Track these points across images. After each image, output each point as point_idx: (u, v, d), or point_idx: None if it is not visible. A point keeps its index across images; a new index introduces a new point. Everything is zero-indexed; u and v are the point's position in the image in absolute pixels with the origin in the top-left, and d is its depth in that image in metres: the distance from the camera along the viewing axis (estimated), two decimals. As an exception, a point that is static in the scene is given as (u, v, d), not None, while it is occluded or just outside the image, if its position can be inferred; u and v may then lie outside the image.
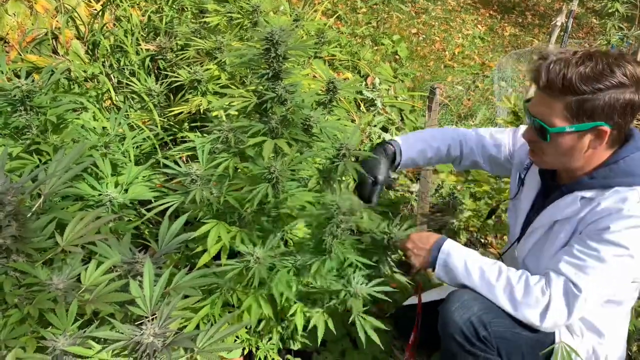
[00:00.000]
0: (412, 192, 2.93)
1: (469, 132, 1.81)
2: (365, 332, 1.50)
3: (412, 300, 1.81)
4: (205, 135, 1.95)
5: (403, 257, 1.63)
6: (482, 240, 2.63)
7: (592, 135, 1.31)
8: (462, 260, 1.45)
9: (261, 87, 1.50)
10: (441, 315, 1.47)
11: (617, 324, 1.51)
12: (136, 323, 1.04)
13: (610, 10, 3.06)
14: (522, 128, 1.71)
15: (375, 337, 1.50)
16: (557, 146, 1.35)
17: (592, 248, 1.30)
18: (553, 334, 1.46)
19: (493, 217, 2.36)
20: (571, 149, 1.34)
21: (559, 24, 3.46)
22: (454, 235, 2.69)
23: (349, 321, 1.54)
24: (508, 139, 1.76)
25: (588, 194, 1.37)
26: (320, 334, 1.54)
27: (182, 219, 1.41)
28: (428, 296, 1.80)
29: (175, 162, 1.58)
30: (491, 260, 1.45)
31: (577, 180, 1.40)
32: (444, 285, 1.85)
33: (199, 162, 1.65)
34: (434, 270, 1.51)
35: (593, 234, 1.32)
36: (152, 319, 1.03)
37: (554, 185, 1.51)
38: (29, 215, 1.15)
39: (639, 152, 1.34)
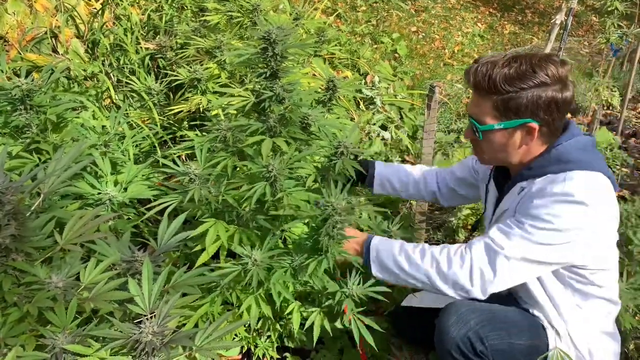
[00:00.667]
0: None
1: (445, 168, 1.94)
2: (361, 332, 1.51)
3: (409, 300, 1.82)
4: (204, 134, 1.95)
5: None
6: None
7: (523, 132, 1.41)
8: (390, 254, 1.49)
9: (259, 86, 1.50)
10: (438, 329, 1.48)
11: (597, 317, 1.51)
12: (135, 321, 1.05)
13: (609, 9, 3.06)
14: None
15: (369, 338, 1.50)
16: (491, 143, 1.46)
17: (518, 221, 1.38)
18: (546, 338, 1.47)
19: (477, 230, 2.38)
20: (504, 145, 1.44)
21: (558, 22, 3.46)
22: (452, 233, 2.69)
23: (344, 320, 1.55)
24: (471, 159, 1.85)
25: (525, 184, 1.46)
26: (316, 333, 1.54)
27: (181, 218, 1.41)
28: (423, 301, 1.80)
29: (174, 161, 1.59)
30: (414, 244, 1.51)
31: (519, 173, 1.49)
32: None
33: (197, 161, 1.65)
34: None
35: (521, 211, 1.40)
36: (151, 317, 1.04)
37: (506, 184, 1.58)
38: (28, 214, 1.16)
39: (570, 140, 1.41)
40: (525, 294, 1.53)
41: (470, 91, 1.51)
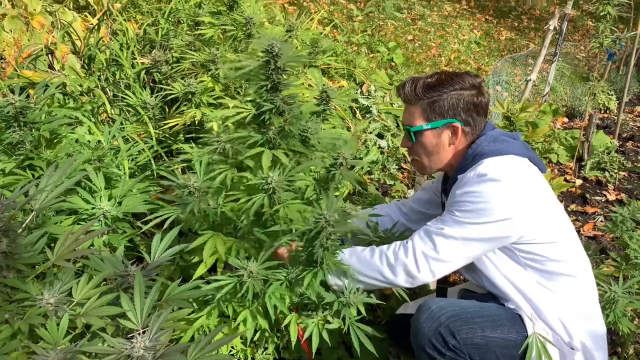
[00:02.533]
0: (407, 199, 2.93)
1: (406, 200, 2.08)
2: (360, 341, 1.51)
3: (404, 308, 1.81)
4: (200, 146, 1.96)
5: None
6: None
7: (449, 132, 1.61)
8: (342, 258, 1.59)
9: (259, 99, 1.51)
10: (412, 327, 1.53)
11: (568, 297, 1.53)
12: (128, 336, 1.05)
13: (602, 13, 3.07)
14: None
15: (370, 346, 1.50)
16: (423, 144, 1.65)
17: (449, 212, 1.53)
18: (525, 330, 1.48)
19: None
20: (435, 145, 1.63)
21: (552, 27, 3.48)
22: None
23: (344, 330, 1.54)
24: (429, 182, 2.01)
25: (455, 185, 1.60)
26: (314, 344, 1.54)
27: (175, 231, 1.42)
28: (408, 308, 1.80)
29: (172, 174, 1.59)
30: (362, 247, 1.63)
31: (451, 178, 1.67)
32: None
33: (195, 173, 1.65)
34: None
35: (449, 204, 1.57)
36: (144, 332, 1.04)
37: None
38: (19, 230, 1.16)
39: (482, 136, 1.61)
40: (490, 284, 1.58)
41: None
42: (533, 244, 1.51)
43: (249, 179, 1.50)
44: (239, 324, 1.57)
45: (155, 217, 1.53)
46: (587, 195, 3.34)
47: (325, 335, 1.56)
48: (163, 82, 2.63)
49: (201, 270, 1.57)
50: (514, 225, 1.47)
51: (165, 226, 1.49)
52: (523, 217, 1.47)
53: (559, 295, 1.52)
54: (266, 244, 1.57)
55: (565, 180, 3.44)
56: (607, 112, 4.99)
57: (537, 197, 1.52)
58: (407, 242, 1.55)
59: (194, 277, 1.57)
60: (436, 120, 1.60)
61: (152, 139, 2.30)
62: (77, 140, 1.93)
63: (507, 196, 1.45)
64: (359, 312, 1.55)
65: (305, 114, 1.63)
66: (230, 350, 1.68)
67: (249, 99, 1.57)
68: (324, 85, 1.83)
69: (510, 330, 1.48)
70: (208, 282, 1.49)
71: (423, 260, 1.49)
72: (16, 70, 2.53)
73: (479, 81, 1.62)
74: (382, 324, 2.02)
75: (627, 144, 4.26)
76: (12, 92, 1.83)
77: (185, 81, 2.34)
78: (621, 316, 1.65)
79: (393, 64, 5.01)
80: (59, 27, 2.86)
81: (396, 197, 3.01)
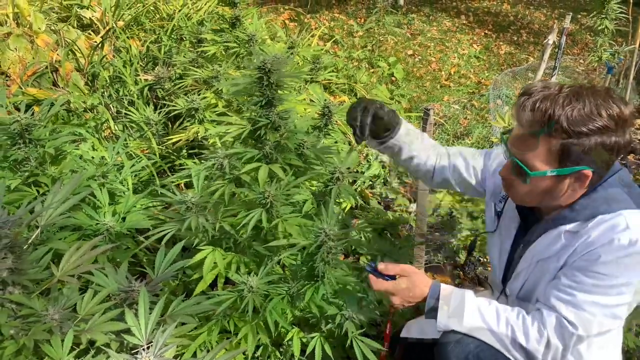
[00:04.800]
0: (410, 213, 2.94)
1: (449, 149, 1.73)
2: (364, 355, 1.50)
3: (407, 330, 1.77)
4: (202, 162, 1.98)
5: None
6: (481, 259, 2.62)
7: (573, 178, 1.27)
8: (461, 306, 1.38)
9: (255, 114, 1.53)
10: (438, 353, 1.43)
11: (611, 342, 1.47)
12: (132, 352, 1.05)
13: (600, 28, 3.11)
14: (494, 152, 1.66)
15: (374, 359, 1.50)
16: (535, 188, 1.31)
17: (582, 282, 1.27)
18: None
19: (475, 251, 2.35)
20: (549, 190, 1.30)
21: (550, 42, 3.51)
22: (453, 254, 2.69)
23: (347, 344, 1.54)
24: (480, 163, 1.68)
25: (571, 227, 1.32)
26: (317, 358, 1.53)
27: (178, 247, 1.42)
28: (424, 332, 1.76)
29: (172, 190, 1.60)
30: (486, 301, 1.39)
31: (559, 213, 1.36)
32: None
33: (194, 189, 1.67)
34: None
35: (583, 266, 1.28)
36: (148, 348, 1.04)
37: (534, 218, 1.46)
38: (25, 247, 1.17)
39: (616, 175, 1.31)
40: None
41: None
42: None
43: (246, 194, 1.52)
44: (240, 340, 1.57)
45: (155, 232, 1.54)
46: (589, 208, 3.33)
47: (328, 350, 1.56)
48: (166, 98, 2.66)
49: (202, 285, 1.58)
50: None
51: (164, 241, 1.49)
52: None
53: (604, 344, 1.42)
54: (266, 258, 1.58)
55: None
56: (608, 125, 5.00)
57: None
58: (542, 328, 1.31)
59: (194, 293, 1.57)
60: (565, 167, 1.24)
61: (155, 154, 2.32)
62: (81, 157, 1.95)
63: None
64: (361, 327, 1.55)
65: (301, 128, 1.64)
66: (233, 366, 1.67)
67: (247, 114, 1.60)
68: (325, 100, 1.85)
69: None
70: (209, 298, 1.50)
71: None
72: (21, 88, 2.56)
73: (628, 112, 1.21)
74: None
75: (628, 157, 4.27)
76: (18, 109, 1.85)
77: (188, 97, 2.37)
78: (627, 331, 1.65)
79: (394, 78, 5.05)
80: (63, 45, 2.90)
81: (398, 210, 3.01)
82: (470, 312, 1.37)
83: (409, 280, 1.41)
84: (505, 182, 1.39)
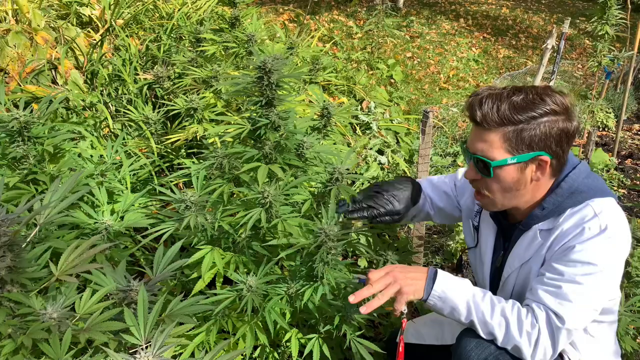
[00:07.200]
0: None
1: (421, 182, 1.77)
2: (362, 356, 1.50)
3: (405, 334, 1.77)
4: (200, 161, 1.98)
5: None
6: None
7: (534, 166, 1.34)
8: (458, 293, 1.38)
9: (255, 114, 1.53)
10: (457, 354, 1.42)
11: (607, 339, 1.49)
12: (130, 351, 1.05)
13: (600, 33, 3.12)
14: (461, 172, 1.71)
15: (371, 361, 1.50)
16: (501, 180, 1.35)
17: (563, 272, 1.30)
18: None
19: (463, 265, 2.35)
20: (516, 182, 1.35)
21: (549, 46, 3.52)
22: (451, 256, 2.69)
23: (345, 346, 1.54)
24: (451, 186, 1.75)
25: (545, 225, 1.38)
26: (315, 359, 1.53)
27: (177, 246, 1.42)
28: (423, 338, 1.75)
29: (171, 189, 1.60)
30: (481, 291, 1.40)
31: (530, 214, 1.40)
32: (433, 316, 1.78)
33: (194, 188, 1.66)
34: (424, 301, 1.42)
35: (560, 257, 1.32)
36: (147, 347, 1.04)
37: (509, 224, 1.50)
38: (24, 245, 1.16)
39: (575, 170, 1.37)
40: None
41: (469, 123, 1.43)
42: (609, 301, 1.41)
43: (245, 194, 1.51)
44: (238, 340, 1.57)
45: (153, 231, 1.53)
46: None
47: (326, 351, 1.56)
48: (165, 97, 2.65)
49: (200, 285, 1.57)
50: (616, 286, 1.37)
51: (162, 240, 1.49)
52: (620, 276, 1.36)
53: (600, 338, 1.45)
54: (265, 259, 1.58)
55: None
56: (606, 129, 5.03)
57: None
58: (534, 320, 1.32)
59: (192, 293, 1.57)
60: (523, 154, 1.31)
61: (154, 153, 2.31)
62: (79, 155, 1.94)
63: (621, 256, 1.33)
64: (359, 328, 1.55)
65: (301, 128, 1.64)
66: (231, 367, 1.67)
67: (247, 114, 1.59)
68: (324, 101, 1.85)
69: None
70: (208, 298, 1.49)
71: (541, 352, 1.32)
72: (20, 85, 2.55)
73: (570, 100, 1.32)
74: (383, 341, 2.01)
75: (626, 161, 4.28)
76: (16, 106, 1.85)
77: (187, 97, 2.36)
78: (624, 334, 1.65)
79: (392, 80, 5.05)
80: (63, 42, 2.89)
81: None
82: (463, 294, 1.37)
83: (400, 266, 1.43)
84: (475, 187, 1.45)
